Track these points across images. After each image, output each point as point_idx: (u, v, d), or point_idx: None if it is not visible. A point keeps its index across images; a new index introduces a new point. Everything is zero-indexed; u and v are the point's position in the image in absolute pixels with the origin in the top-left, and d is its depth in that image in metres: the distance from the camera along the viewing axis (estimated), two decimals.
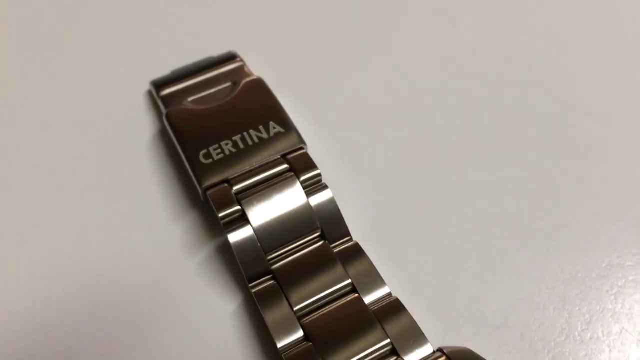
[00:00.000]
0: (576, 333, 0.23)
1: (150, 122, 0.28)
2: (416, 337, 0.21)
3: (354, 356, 0.21)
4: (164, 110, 0.27)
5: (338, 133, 0.28)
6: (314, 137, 0.27)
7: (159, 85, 0.28)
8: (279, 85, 0.28)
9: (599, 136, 0.28)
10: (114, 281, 0.24)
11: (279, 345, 0.21)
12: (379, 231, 0.25)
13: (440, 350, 0.21)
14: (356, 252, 0.23)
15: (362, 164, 0.27)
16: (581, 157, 0.28)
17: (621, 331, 0.24)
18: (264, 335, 0.23)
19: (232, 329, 0.23)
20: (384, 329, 0.21)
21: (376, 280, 0.23)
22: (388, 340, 0.21)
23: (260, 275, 0.23)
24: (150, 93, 0.29)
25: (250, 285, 0.23)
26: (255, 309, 0.23)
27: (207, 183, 0.24)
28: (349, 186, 0.26)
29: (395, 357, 0.21)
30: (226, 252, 0.25)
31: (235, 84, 0.27)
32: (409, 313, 0.22)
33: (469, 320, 0.24)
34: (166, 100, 0.27)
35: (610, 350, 0.23)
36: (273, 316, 0.22)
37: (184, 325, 0.23)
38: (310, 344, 0.21)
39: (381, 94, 0.30)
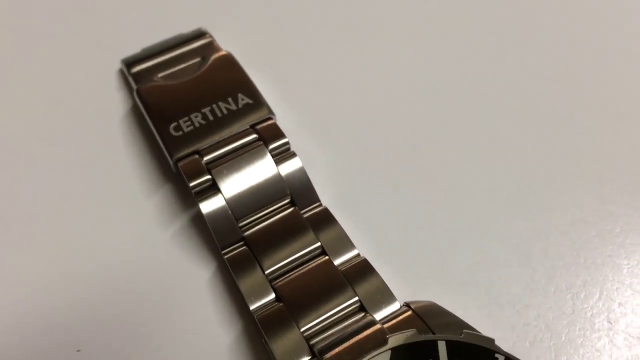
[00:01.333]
0: (540, 287, 0.24)
1: (123, 100, 0.29)
2: (384, 294, 0.22)
3: (323, 314, 0.21)
4: (134, 87, 0.27)
5: (307, 104, 0.29)
6: (284, 109, 0.28)
7: (129, 63, 0.28)
8: (249, 60, 0.29)
9: (561, 98, 0.29)
10: (90, 255, 0.25)
11: (252, 307, 0.22)
12: (349, 197, 0.26)
13: (406, 305, 0.22)
14: (325, 216, 0.24)
15: (332, 133, 0.28)
16: (543, 118, 0.28)
17: (584, 284, 0.24)
18: (238, 299, 0.23)
19: (207, 294, 0.24)
20: (352, 288, 0.22)
21: (345, 242, 0.23)
22: (356, 298, 0.22)
23: (233, 242, 0.24)
24: (122, 71, 0.29)
25: (223, 252, 0.23)
26: (229, 274, 0.24)
27: (178, 155, 0.24)
28: (318, 155, 0.27)
29: (363, 314, 0.22)
30: (199, 222, 0.25)
31: (204, 59, 0.28)
32: (376, 272, 0.22)
33: (437, 279, 0.24)
34: (137, 77, 0.28)
35: (573, 302, 0.24)
36: (245, 280, 0.23)
37: (160, 293, 0.24)
38: (282, 304, 0.22)
39: (350, 65, 0.30)
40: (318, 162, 0.27)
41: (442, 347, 0.19)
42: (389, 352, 0.19)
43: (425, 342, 0.19)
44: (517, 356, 0.20)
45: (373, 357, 0.19)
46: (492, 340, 0.19)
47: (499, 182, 0.27)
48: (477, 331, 0.20)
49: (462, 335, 0.19)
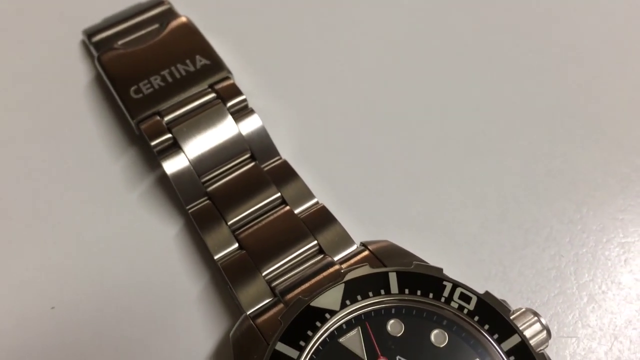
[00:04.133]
0: (494, 226, 0.25)
1: (87, 70, 0.29)
2: (341, 236, 0.23)
3: (284, 258, 0.22)
4: (95, 55, 0.28)
5: (267, 65, 0.30)
6: (243, 70, 0.29)
7: (90, 33, 0.29)
8: (208, 25, 0.29)
9: (511, 44, 0.30)
10: (59, 219, 0.25)
11: (216, 256, 0.23)
12: (308, 151, 0.27)
13: (363, 245, 0.23)
14: (285, 169, 0.25)
15: (291, 91, 0.29)
16: (495, 65, 0.29)
17: (536, 221, 0.26)
18: (204, 252, 0.24)
19: (175, 250, 0.25)
20: (311, 233, 0.23)
21: (304, 192, 0.24)
22: (315, 242, 0.23)
23: (197, 197, 0.24)
24: (84, 42, 0.30)
25: (187, 207, 0.24)
26: (195, 229, 0.24)
27: (139, 116, 0.25)
28: (278, 112, 0.28)
29: (322, 256, 0.23)
30: (165, 181, 0.26)
31: (163, 25, 0.28)
32: (333, 216, 0.23)
33: (396, 224, 0.25)
34: (98, 45, 0.28)
35: (525, 239, 0.25)
36: (210, 232, 0.24)
37: (129, 252, 0.25)
38: (244, 251, 0.23)
39: (308, 25, 0.31)
40: (278, 119, 0.27)
41: (392, 277, 0.20)
42: (343, 285, 0.20)
43: (377, 274, 0.20)
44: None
45: (328, 289, 0.20)
46: (440, 270, 0.20)
47: (453, 128, 0.28)
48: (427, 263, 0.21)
49: (412, 266, 0.20)
